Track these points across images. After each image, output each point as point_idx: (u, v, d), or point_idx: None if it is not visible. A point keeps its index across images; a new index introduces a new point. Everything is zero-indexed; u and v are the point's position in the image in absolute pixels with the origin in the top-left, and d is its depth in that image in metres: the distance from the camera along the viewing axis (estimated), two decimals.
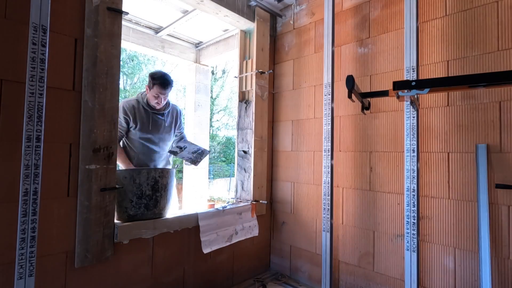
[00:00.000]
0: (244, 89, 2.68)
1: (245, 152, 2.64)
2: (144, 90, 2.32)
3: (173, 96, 15.47)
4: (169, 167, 2.55)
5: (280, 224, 2.68)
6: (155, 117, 2.32)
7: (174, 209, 2.31)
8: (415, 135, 1.75)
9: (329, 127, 2.07)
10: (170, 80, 2.25)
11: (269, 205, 2.74)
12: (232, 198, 2.76)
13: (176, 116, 2.50)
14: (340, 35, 2.30)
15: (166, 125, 2.40)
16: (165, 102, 2.34)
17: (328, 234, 2.05)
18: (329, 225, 2.05)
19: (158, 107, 2.31)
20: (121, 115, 2.17)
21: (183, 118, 2.56)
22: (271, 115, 2.78)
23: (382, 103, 2.04)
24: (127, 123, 2.24)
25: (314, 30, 2.51)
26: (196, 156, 2.43)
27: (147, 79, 2.28)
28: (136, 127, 2.24)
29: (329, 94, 2.09)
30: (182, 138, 2.59)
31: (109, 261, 1.63)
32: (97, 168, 1.57)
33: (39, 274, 1.37)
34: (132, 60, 13.82)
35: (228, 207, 2.29)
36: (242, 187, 2.66)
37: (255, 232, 2.45)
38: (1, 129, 1.30)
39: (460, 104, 1.72)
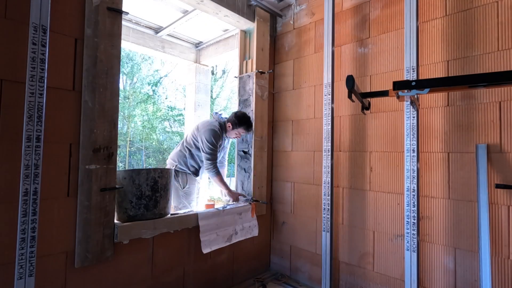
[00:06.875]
0: (244, 89, 2.68)
1: (245, 152, 2.64)
2: (217, 118, 2.56)
3: (173, 96, 15.47)
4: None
5: (280, 224, 2.68)
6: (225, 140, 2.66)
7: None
8: (415, 135, 1.75)
9: (329, 127, 2.07)
10: (252, 125, 2.53)
11: (269, 205, 2.74)
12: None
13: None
14: (340, 35, 2.30)
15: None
16: None
17: (328, 234, 2.05)
18: (329, 225, 2.05)
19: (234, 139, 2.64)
20: (215, 142, 2.41)
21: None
22: (271, 115, 2.78)
23: (382, 103, 2.04)
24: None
25: (314, 30, 2.51)
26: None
27: (233, 118, 2.48)
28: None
29: (329, 94, 2.09)
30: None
31: (109, 261, 1.63)
32: (97, 168, 1.56)
33: (39, 274, 1.37)
34: (132, 60, 13.83)
35: (228, 207, 2.29)
36: (242, 187, 2.66)
37: (255, 232, 2.45)
38: (1, 129, 1.30)
39: (460, 104, 1.72)
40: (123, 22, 2.05)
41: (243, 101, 2.69)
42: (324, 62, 2.13)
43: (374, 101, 2.07)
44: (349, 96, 1.47)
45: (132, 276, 1.75)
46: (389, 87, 1.81)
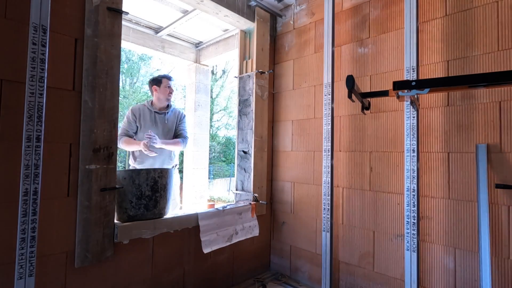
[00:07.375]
0: (244, 89, 2.68)
1: (245, 152, 2.64)
2: (149, 99, 2.61)
3: (173, 96, 15.45)
4: (171, 164, 2.59)
5: (280, 224, 2.68)
6: (157, 116, 2.57)
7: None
8: (415, 135, 1.75)
9: (329, 127, 2.07)
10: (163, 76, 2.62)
11: (269, 205, 2.74)
12: (236, 191, 2.76)
13: (178, 117, 2.70)
14: (340, 35, 2.30)
15: (167, 123, 2.60)
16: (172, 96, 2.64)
17: (328, 234, 2.05)
18: (329, 225, 2.05)
19: (170, 99, 2.62)
20: (130, 115, 2.51)
21: (185, 121, 2.77)
22: (271, 115, 2.78)
23: (382, 103, 2.04)
24: (135, 122, 2.50)
25: (314, 30, 2.51)
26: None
27: (149, 86, 2.64)
28: (141, 127, 2.51)
29: (329, 94, 2.09)
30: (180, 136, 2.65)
31: (109, 261, 1.63)
32: (97, 168, 1.56)
33: (39, 274, 1.37)
34: (132, 60, 13.84)
35: (228, 207, 2.29)
36: (242, 187, 2.66)
37: (256, 232, 2.45)
38: (1, 129, 1.30)
39: (460, 104, 1.72)
40: (123, 22, 2.05)
41: (243, 101, 2.69)
42: (324, 62, 2.13)
43: (374, 101, 2.07)
44: (349, 96, 1.47)
45: (132, 276, 1.75)
46: (389, 87, 1.82)
